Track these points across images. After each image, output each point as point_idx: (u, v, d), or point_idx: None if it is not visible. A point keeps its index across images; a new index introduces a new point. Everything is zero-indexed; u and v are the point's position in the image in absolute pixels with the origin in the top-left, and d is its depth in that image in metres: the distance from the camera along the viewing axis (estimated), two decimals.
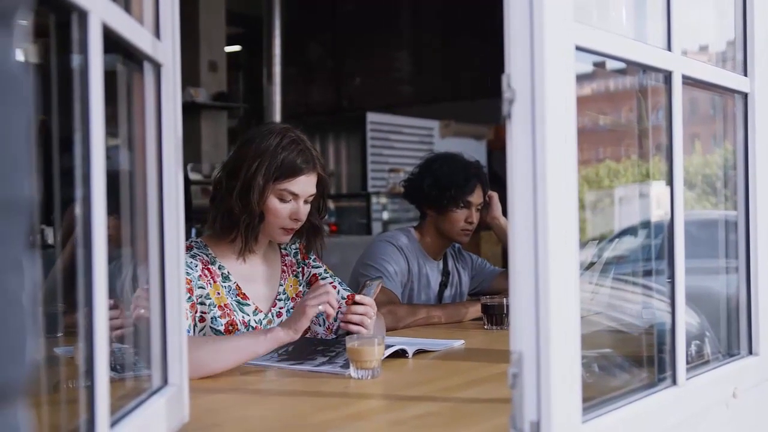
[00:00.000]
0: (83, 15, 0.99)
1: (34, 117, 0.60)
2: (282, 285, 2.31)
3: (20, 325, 0.57)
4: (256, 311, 2.20)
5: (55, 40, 1.05)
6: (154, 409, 1.26)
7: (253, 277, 2.26)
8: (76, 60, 1.02)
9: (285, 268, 2.35)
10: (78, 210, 1.01)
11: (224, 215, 2.17)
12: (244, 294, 2.20)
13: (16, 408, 0.57)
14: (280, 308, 2.28)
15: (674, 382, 1.50)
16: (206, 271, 2.14)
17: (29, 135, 0.59)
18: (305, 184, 2.18)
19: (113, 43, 1.11)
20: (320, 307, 1.94)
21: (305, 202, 2.20)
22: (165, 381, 1.36)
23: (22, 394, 0.59)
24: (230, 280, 2.19)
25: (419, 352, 2.15)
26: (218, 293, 2.15)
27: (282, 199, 2.17)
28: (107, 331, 1.02)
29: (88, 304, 1.00)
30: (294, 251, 2.39)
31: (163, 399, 1.30)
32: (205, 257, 2.17)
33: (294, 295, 2.33)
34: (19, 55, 0.59)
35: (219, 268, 2.19)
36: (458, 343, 2.33)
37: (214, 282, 2.15)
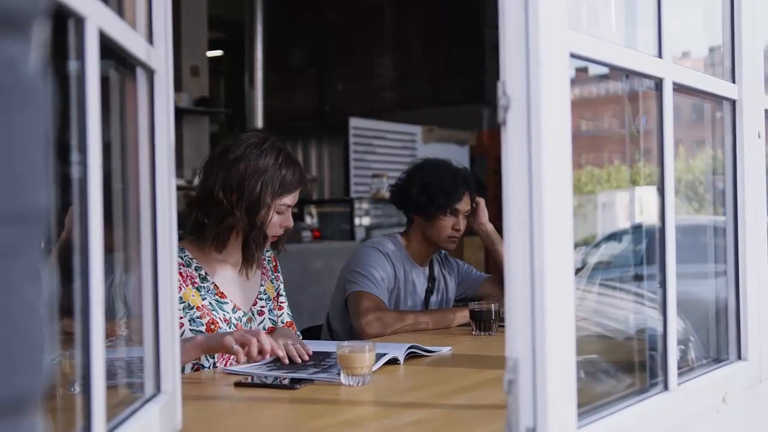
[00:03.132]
0: (80, 21, 0.99)
1: (50, 125, 0.60)
2: (263, 285, 2.41)
3: (39, 335, 0.56)
4: (234, 309, 2.28)
5: (50, 46, 1.04)
6: (148, 417, 1.25)
7: (233, 278, 2.33)
8: (72, 65, 1.01)
9: (264, 270, 2.44)
10: (74, 215, 1.00)
11: (227, 231, 2.24)
12: (222, 293, 2.27)
13: (34, 417, 0.57)
14: (262, 307, 2.38)
15: (666, 387, 1.51)
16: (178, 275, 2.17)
17: (47, 143, 0.59)
18: (297, 196, 2.33)
19: (107, 48, 1.10)
20: (235, 347, 1.93)
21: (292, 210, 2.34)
22: (158, 389, 1.35)
23: (40, 403, 0.58)
24: (208, 281, 2.26)
25: (410, 357, 2.15)
26: (193, 295, 2.21)
27: (278, 213, 2.28)
28: (104, 339, 1.01)
29: (84, 312, 0.99)
30: (268, 259, 2.48)
31: (156, 407, 1.29)
32: (180, 260, 2.19)
33: (273, 297, 2.43)
34: (37, 63, 0.59)
35: (196, 270, 2.25)
36: (446, 350, 2.33)
37: (188, 286, 2.21)
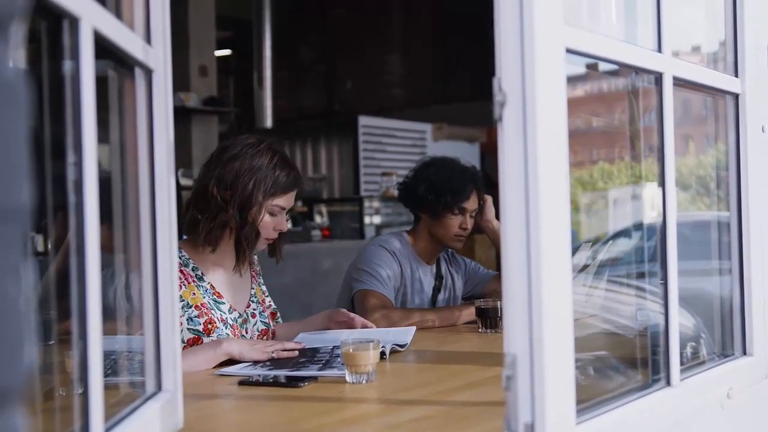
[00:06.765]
0: (74, 21, 0.99)
1: (30, 124, 0.61)
2: (253, 289, 2.46)
3: (18, 331, 0.57)
4: (231, 309, 2.32)
5: (46, 46, 1.05)
6: (149, 415, 1.25)
7: (227, 280, 2.37)
8: (67, 66, 1.01)
9: (254, 274, 2.49)
10: (71, 217, 1.00)
11: (219, 228, 2.27)
12: (219, 293, 2.32)
13: (14, 413, 0.58)
14: (253, 309, 2.43)
15: (668, 382, 1.51)
16: (179, 274, 2.20)
17: (26, 142, 0.60)
18: (292, 199, 2.35)
19: (104, 48, 1.11)
20: (274, 354, 2.11)
21: (287, 213, 2.37)
22: (159, 387, 1.36)
23: (20, 399, 0.59)
24: (205, 281, 2.30)
25: (399, 353, 2.20)
26: (193, 294, 2.25)
27: (271, 214, 2.31)
28: (101, 338, 1.02)
29: (81, 312, 0.99)
30: (255, 262, 2.53)
31: (157, 405, 1.30)
32: (178, 260, 2.21)
33: (261, 300, 2.47)
34: (16, 62, 0.60)
35: (193, 270, 2.29)
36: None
37: (189, 283, 2.26)
